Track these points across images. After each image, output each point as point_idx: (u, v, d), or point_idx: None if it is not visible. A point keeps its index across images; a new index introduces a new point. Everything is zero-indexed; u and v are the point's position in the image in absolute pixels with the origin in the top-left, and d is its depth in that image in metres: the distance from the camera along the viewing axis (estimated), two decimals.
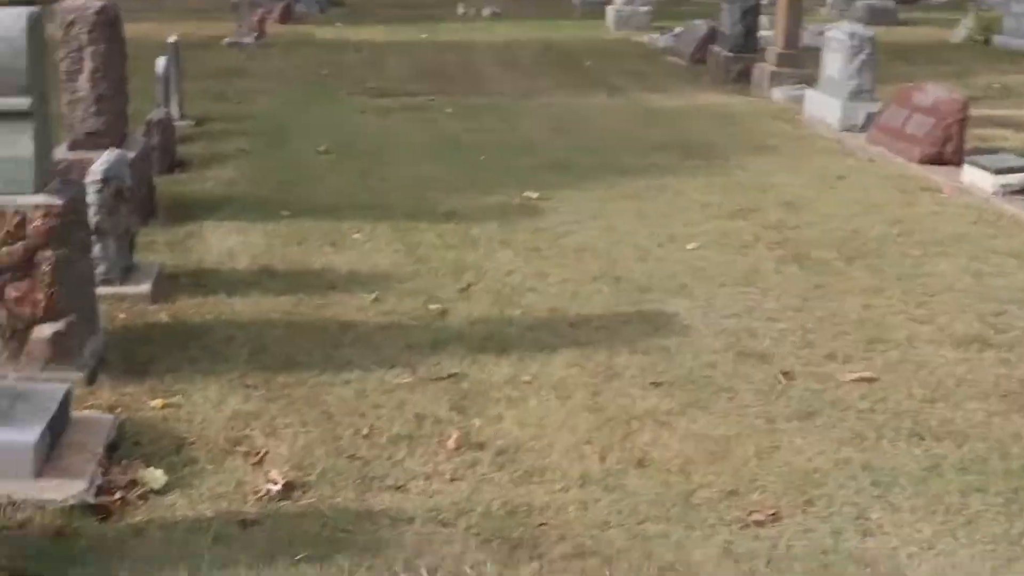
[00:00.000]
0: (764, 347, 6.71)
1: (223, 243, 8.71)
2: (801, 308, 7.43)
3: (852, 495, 4.98)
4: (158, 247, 8.49)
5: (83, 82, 9.08)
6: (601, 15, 28.82)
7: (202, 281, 7.76)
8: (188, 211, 9.56)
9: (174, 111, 13.42)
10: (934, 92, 12.49)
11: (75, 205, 6.13)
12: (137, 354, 6.40)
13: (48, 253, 5.85)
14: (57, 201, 5.89)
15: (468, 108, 15.41)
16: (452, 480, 5.05)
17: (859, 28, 14.78)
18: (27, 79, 5.87)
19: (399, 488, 4.98)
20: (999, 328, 7.12)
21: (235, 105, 15.11)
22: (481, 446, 5.38)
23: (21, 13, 5.88)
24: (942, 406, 5.90)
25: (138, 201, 8.96)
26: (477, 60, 21.11)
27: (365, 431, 5.51)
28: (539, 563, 4.37)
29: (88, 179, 7.17)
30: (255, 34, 23.38)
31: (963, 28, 25.81)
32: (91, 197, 7.08)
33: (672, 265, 8.36)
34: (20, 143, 5.89)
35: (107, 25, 9.20)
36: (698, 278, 8.04)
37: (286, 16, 27.96)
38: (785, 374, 6.31)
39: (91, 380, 5.96)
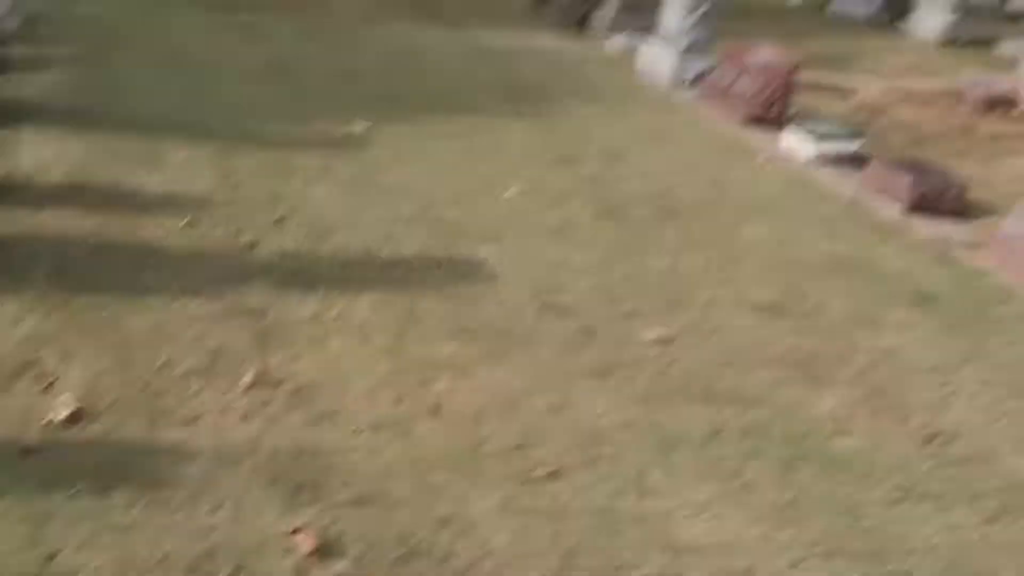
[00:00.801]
0: (568, 301, 6.79)
1: (38, 152, 8.43)
2: (608, 264, 7.52)
3: (635, 455, 5.12)
4: None
5: None
6: None
7: (10, 192, 7.52)
8: (5, 115, 9.24)
9: (3, 6, 12.98)
10: (765, 54, 12.62)
11: None
12: None
13: None
14: None
15: (305, 30, 15.12)
16: (243, 418, 5.08)
17: None
18: None
19: (188, 423, 5.00)
20: (795, 297, 7.30)
21: (71, 4, 14.62)
22: (277, 384, 5.40)
23: None
24: (732, 371, 6.07)
25: None
26: None
27: (160, 362, 5.48)
28: (320, 506, 4.42)
29: None
30: None
31: None
32: None
33: (488, 211, 8.36)
34: None
35: None
36: (512, 226, 8.06)
37: None
38: (585, 329, 6.40)
39: None
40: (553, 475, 4.86)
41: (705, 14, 14.02)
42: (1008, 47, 19.51)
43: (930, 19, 21.51)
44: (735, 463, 5.13)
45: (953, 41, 20.45)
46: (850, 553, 4.61)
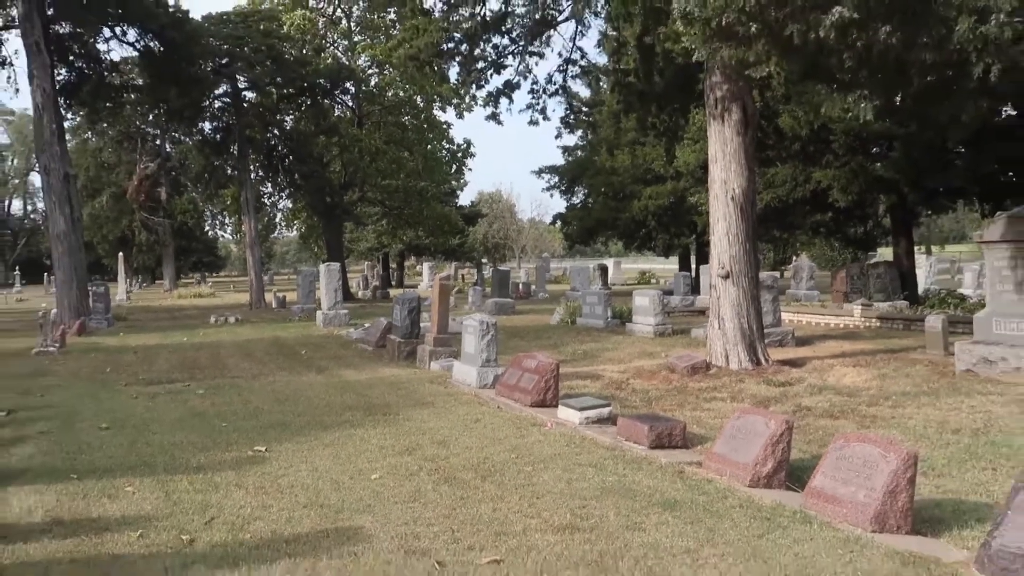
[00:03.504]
0: (424, 545, 6.61)
1: (22, 502, 8.04)
2: (450, 515, 7.37)
3: None
4: None
5: None
6: (313, 318, 29.04)
7: (4, 534, 7.09)
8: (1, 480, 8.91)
9: None
10: (537, 358, 12.88)
11: None
12: None
13: None
14: None
15: (214, 388, 15.07)
16: None
17: (486, 317, 15.24)
18: None
19: None
20: (583, 517, 7.23)
21: (39, 398, 14.37)
22: None
23: None
24: None
25: None
26: (223, 353, 20.77)
27: None
28: None
29: None
30: (57, 344, 22.40)
31: (557, 314, 26.99)
32: None
33: (358, 492, 8.17)
34: None
35: None
36: (378, 499, 7.89)
37: (81, 329, 27.00)
38: (439, 563, 6.22)
39: None
40: None
41: (492, 339, 14.35)
42: (697, 332, 20.27)
43: (644, 321, 22.32)
44: None
45: (661, 333, 21.21)
46: None
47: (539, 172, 47.62)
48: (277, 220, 57.75)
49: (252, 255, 41.41)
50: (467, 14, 16.52)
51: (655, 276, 60.00)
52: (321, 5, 44.86)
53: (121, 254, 56.16)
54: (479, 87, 18.54)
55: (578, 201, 47.05)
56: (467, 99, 19.93)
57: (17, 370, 18.30)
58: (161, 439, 10.94)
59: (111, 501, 8.11)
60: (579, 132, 45.75)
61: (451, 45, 17.15)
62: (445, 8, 16.88)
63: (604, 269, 41.44)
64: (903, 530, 6.70)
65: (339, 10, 45.42)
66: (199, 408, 13.17)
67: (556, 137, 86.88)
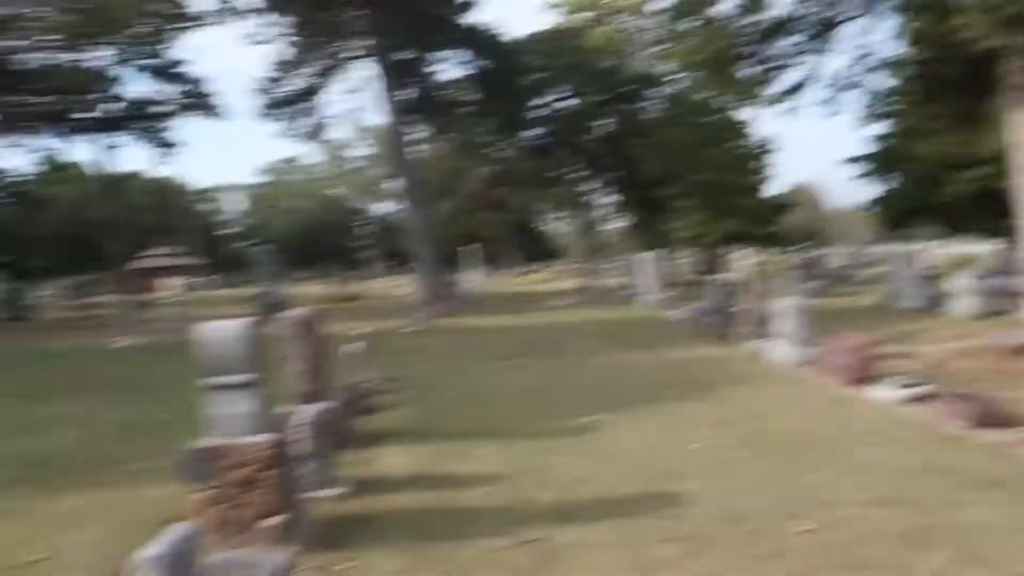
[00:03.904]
0: (741, 511, 6.51)
1: (394, 459, 8.74)
2: (767, 484, 7.23)
3: None
4: (354, 463, 8.44)
5: (298, 362, 9.30)
6: (640, 301, 29.23)
7: (380, 485, 7.72)
8: (375, 439, 9.60)
9: (369, 376, 13.62)
10: (851, 337, 12.36)
11: (285, 441, 6.21)
12: (336, 533, 6.37)
13: (270, 472, 5.93)
14: (272, 439, 5.99)
15: (554, 365, 15.50)
16: None
17: (799, 299, 14.79)
18: (248, 363, 6.06)
19: None
20: (900, 492, 6.87)
21: (408, 369, 15.29)
22: None
23: (240, 324, 6.11)
24: (870, 549, 5.67)
25: (340, 434, 9.05)
26: (558, 334, 21.26)
27: None
28: None
29: (295, 424, 7.26)
30: (423, 325, 23.83)
31: (872, 297, 25.78)
32: (301, 435, 7.17)
33: (681, 460, 8.17)
34: (245, 402, 6.04)
35: (309, 326, 9.47)
36: (699, 468, 7.85)
37: (443, 312, 28.53)
38: (756, 529, 6.13)
39: (306, 551, 5.89)
40: None
41: (804, 319, 13.90)
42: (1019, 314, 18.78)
43: (962, 302, 20.89)
44: None
45: (980, 315, 19.75)
46: None
47: (849, 160, 45.36)
48: (603, 214, 58.63)
49: (582, 245, 42.43)
50: (752, 20, 16.02)
51: (973, 258, 55.79)
52: (622, 21, 44.83)
53: (472, 246, 59.06)
54: (770, 86, 17.95)
55: (890, 187, 44.44)
56: (762, 98, 19.40)
57: (391, 345, 19.55)
58: (505, 408, 11.42)
59: (465, 460, 8.58)
60: (886, 120, 43.15)
61: (739, 50, 16.67)
62: (733, 16, 16.43)
63: (919, 252, 39.06)
64: None
65: (637, 23, 45.19)
66: (538, 381, 13.59)
67: (862, 127, 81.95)
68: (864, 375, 11.66)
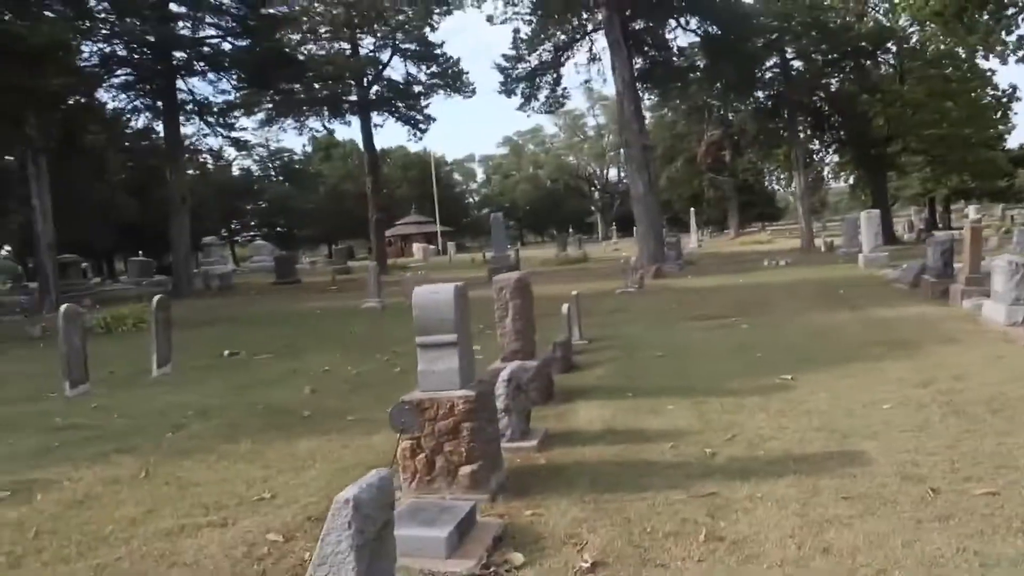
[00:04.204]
0: (922, 472, 6.18)
1: (587, 414, 8.78)
2: (952, 446, 6.79)
3: (963, 573, 4.52)
4: (548, 418, 8.57)
5: (507, 322, 9.53)
6: (855, 260, 27.91)
7: (570, 438, 7.79)
8: (572, 395, 9.69)
9: (576, 336, 13.80)
10: None
11: (484, 396, 6.39)
12: (523, 483, 6.47)
13: (468, 424, 6.14)
14: (472, 393, 6.19)
15: (758, 323, 15.11)
16: (698, 561, 4.90)
17: (1016, 257, 13.69)
18: (454, 324, 6.27)
19: (662, 566, 4.88)
20: None
21: (614, 329, 15.35)
22: (721, 539, 5.18)
23: (450, 288, 6.32)
24: None
25: (539, 390, 9.24)
26: (769, 293, 20.67)
27: (649, 529, 5.40)
28: None
29: (499, 379, 7.47)
30: (637, 286, 23.77)
31: None
32: (499, 390, 7.37)
33: (869, 420, 7.80)
34: (450, 360, 6.26)
35: (521, 288, 9.66)
36: (886, 427, 7.47)
37: (659, 273, 28.36)
38: (933, 490, 5.80)
39: (493, 499, 6.06)
40: None
41: (1021, 278, 12.84)
42: None
43: None
44: None
45: None
46: None
47: None
48: (825, 173, 56.18)
49: (802, 205, 40.90)
50: None
51: None
52: None
53: (693, 209, 58.11)
54: (1008, 33, 16.45)
55: None
56: (1003, 46, 17.69)
57: (603, 306, 19.70)
58: (704, 366, 11.24)
59: (655, 416, 8.53)
60: None
61: None
62: None
63: None
64: None
65: None
66: (741, 340, 13.31)
67: None
68: None
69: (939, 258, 18.16)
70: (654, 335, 14.44)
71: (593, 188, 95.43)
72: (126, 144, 43.84)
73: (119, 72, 32.67)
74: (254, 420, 9.33)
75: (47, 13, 26.28)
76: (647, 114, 54.34)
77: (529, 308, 9.75)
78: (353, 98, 42.09)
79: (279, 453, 7.74)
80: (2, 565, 5.38)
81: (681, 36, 38.32)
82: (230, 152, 70.82)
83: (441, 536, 5.02)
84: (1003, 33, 16.59)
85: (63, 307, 11.78)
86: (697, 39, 35.48)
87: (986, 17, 16.26)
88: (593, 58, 35.53)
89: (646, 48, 34.85)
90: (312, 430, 8.65)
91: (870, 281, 22.15)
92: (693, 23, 34.24)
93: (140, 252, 46.89)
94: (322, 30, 41.39)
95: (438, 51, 42.09)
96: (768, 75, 39.45)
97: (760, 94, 40.97)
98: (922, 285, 18.46)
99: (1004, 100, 47.11)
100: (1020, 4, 16.23)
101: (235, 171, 69.84)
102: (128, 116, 37.02)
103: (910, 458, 6.59)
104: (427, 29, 41.37)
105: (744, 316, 16.33)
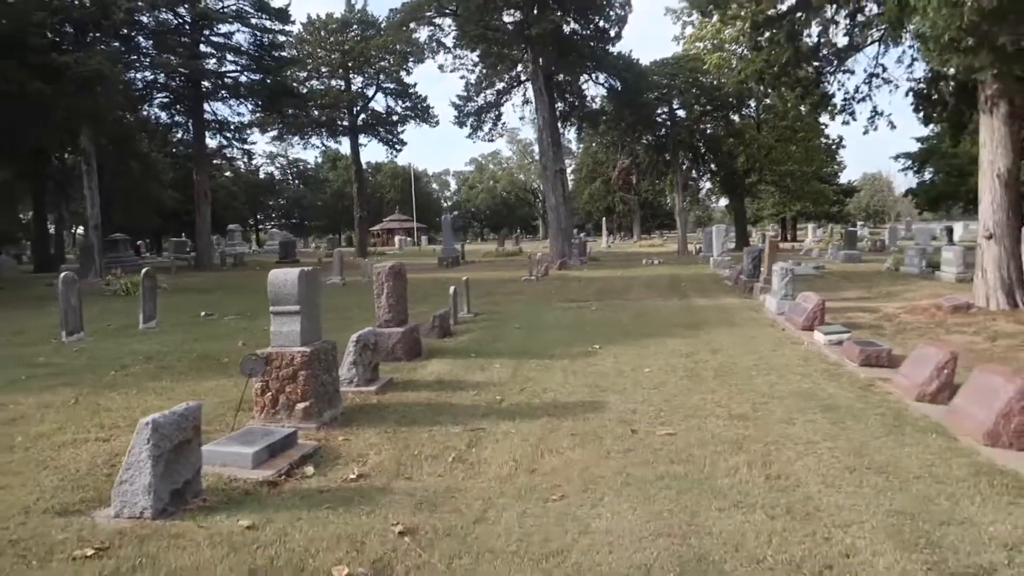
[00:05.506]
0: (633, 419, 6.40)
1: (432, 368, 8.82)
2: (669, 400, 7.04)
3: (608, 488, 4.73)
4: (403, 370, 8.61)
5: (383, 299, 9.62)
6: (709, 263, 28.31)
7: (407, 386, 7.87)
8: (434, 354, 9.73)
9: (464, 311, 13.89)
10: (811, 297, 11.73)
11: (319, 352, 6.49)
12: (351, 417, 6.57)
13: (303, 372, 6.28)
14: (308, 349, 6.31)
15: (606, 306, 15.29)
16: (438, 476, 5.04)
17: (788, 264, 14.09)
18: (298, 298, 6.38)
19: (408, 479, 5.00)
20: (758, 411, 6.58)
21: (501, 307, 15.43)
22: (463, 461, 5.34)
23: (296, 272, 6.42)
24: (698, 450, 5.51)
25: (405, 350, 9.36)
26: (631, 284, 20.91)
27: (416, 453, 5.51)
28: None
29: (349, 340, 7.60)
30: (540, 275, 23.88)
31: (887, 264, 24.01)
32: (349, 347, 7.51)
33: (627, 379, 8.02)
34: (293, 324, 6.38)
35: (395, 274, 9.75)
36: (634, 385, 7.70)
37: (563, 266, 28.48)
38: (633, 431, 6.04)
39: (319, 428, 6.17)
40: (561, 499, 4.58)
41: (789, 279, 13.23)
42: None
43: (948, 270, 19.30)
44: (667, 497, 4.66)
45: (961, 280, 18.14)
46: None
47: (896, 157, 42.12)
48: (701, 195, 56.77)
49: (680, 218, 41.45)
50: (789, 46, 14.95)
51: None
52: (733, 48, 42.54)
53: (605, 219, 58.42)
54: (817, 92, 16.57)
55: (927, 178, 41.02)
56: (812, 107, 18.03)
57: (504, 289, 19.74)
58: (544, 336, 11.37)
59: (480, 372, 8.61)
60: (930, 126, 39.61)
61: (775, 71, 15.60)
62: (768, 45, 15.38)
63: (950, 230, 35.96)
64: (1015, 447, 5.39)
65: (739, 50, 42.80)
66: (584, 318, 13.48)
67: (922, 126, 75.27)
68: (814, 323, 11.09)
69: (750, 263, 18.54)
70: (525, 312, 14.51)
71: (537, 199, 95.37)
72: (171, 150, 43.41)
73: (159, 95, 32.29)
74: (183, 364, 9.25)
75: (102, 47, 25.85)
76: (574, 145, 54.49)
77: (402, 288, 9.81)
78: (345, 123, 41.82)
79: (185, 390, 7.67)
80: None
81: (592, 87, 38.28)
82: (257, 160, 70.15)
83: (249, 452, 5.16)
84: (817, 91, 16.77)
85: (61, 274, 11.72)
86: (605, 91, 35.63)
87: (802, 76, 16.45)
88: (526, 100, 35.51)
89: (566, 95, 34.92)
90: (222, 373, 8.59)
91: (710, 279, 22.46)
92: (601, 78, 34.39)
93: (182, 234, 46.38)
94: (323, 69, 41.09)
95: (412, 90, 42.01)
96: (659, 119, 39.67)
97: (650, 136, 41.25)
98: (738, 283, 18.86)
99: (833, 147, 48.11)
100: (811, 79, 16.53)
101: (261, 175, 70.06)
102: (169, 130, 36.70)
103: (632, 407, 6.81)
104: (403, 73, 41.29)
105: (599, 300, 16.53)
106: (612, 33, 32.11)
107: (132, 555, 3.76)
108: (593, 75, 34.30)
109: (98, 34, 26.20)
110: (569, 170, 52.89)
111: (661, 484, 4.78)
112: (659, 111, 39.13)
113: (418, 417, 6.60)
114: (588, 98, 36.50)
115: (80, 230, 56.88)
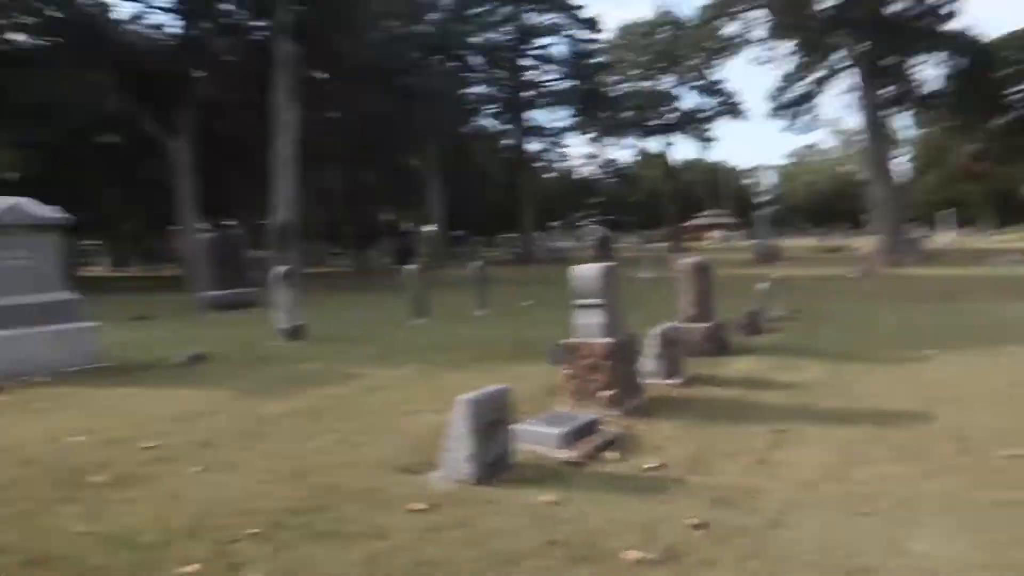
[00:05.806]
0: (968, 435, 5.53)
1: (739, 366, 8.54)
2: (1017, 418, 6.00)
3: (941, 509, 4.20)
4: (704, 366, 8.39)
5: (687, 294, 9.54)
6: None
7: (710, 381, 7.69)
8: (743, 352, 9.41)
9: (778, 309, 13.20)
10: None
11: (621, 344, 6.63)
12: (653, 408, 6.57)
13: (606, 362, 6.49)
14: (611, 340, 6.51)
15: (943, 310, 13.39)
16: (741, 475, 4.92)
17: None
18: (601, 292, 6.59)
19: (706, 474, 4.94)
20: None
21: (820, 306, 14.43)
22: (763, 462, 5.12)
23: (599, 267, 6.63)
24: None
25: (712, 345, 9.19)
26: (978, 286, 18.09)
27: (715, 449, 5.40)
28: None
29: (650, 335, 7.65)
30: (866, 273, 21.97)
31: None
32: (650, 341, 7.57)
33: (965, 391, 6.92)
34: (596, 317, 6.61)
35: (698, 269, 9.61)
36: (972, 398, 6.64)
37: (893, 263, 25.91)
38: (966, 449, 5.26)
39: (620, 417, 6.27)
40: None
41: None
42: None
43: None
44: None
45: None
46: None
47: None
48: None
49: None
50: None
51: None
52: None
53: (952, 210, 51.55)
54: None
55: None
56: None
57: (825, 288, 18.45)
58: (868, 338, 10.36)
59: (791, 372, 8.12)
60: None
61: None
62: None
63: None
64: None
65: None
66: (918, 321, 12.03)
67: None
68: None
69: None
70: (847, 312, 13.39)
71: (863, 191, 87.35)
72: (499, 155, 47.39)
73: (488, 107, 35.45)
74: (506, 348, 9.96)
75: (444, 68, 29.07)
76: (906, 132, 48.97)
77: (707, 284, 9.62)
78: (658, 122, 42.18)
79: (506, 372, 7.98)
80: (309, 417, 6.54)
81: (926, 69, 33.93)
82: (574, 160, 73.63)
83: (555, 433, 5.45)
84: None
85: (405, 268, 13.40)
86: (941, 72, 31.50)
87: None
88: (848, 89, 32.67)
89: (893, 79, 31.52)
90: (537, 359, 8.72)
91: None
92: (938, 59, 30.45)
93: (511, 231, 50.58)
94: (634, 72, 41.84)
95: (720, 86, 41.18)
96: (1013, 98, 33.95)
97: (1002, 118, 35.37)
98: None
99: None
100: None
101: (580, 174, 73.41)
102: (498, 138, 40.14)
103: (970, 422, 5.90)
104: (712, 69, 40.58)
105: (936, 302, 14.65)
106: (945, 11, 28.27)
107: (453, 513, 4.22)
108: (928, 56, 30.42)
109: (440, 56, 29.50)
110: (901, 160, 47.67)
111: (997, 512, 4.14)
112: (1013, 89, 33.48)
113: (720, 413, 6.46)
114: (920, 82, 32.50)
115: (427, 227, 65.03)
